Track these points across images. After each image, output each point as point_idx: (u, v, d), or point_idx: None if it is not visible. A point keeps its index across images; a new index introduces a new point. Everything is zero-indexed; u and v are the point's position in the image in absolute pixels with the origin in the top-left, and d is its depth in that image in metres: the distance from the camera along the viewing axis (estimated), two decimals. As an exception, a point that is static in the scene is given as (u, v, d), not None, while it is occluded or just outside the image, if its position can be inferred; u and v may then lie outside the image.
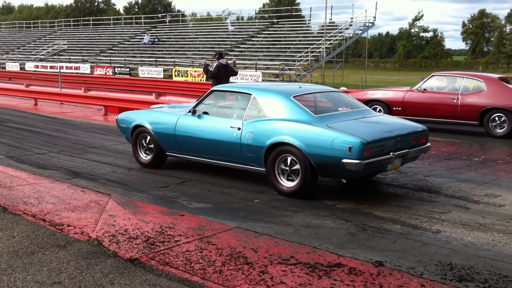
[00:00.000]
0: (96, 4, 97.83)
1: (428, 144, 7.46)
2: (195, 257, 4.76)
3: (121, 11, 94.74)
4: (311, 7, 49.77)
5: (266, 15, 53.54)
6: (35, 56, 47.94)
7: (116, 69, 38.13)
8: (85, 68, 40.30)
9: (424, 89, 13.34)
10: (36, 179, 7.65)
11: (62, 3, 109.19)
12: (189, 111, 7.91)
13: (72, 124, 13.89)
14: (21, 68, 44.23)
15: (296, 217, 6.02)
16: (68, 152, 9.81)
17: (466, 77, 13.12)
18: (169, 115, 8.23)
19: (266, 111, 7.08)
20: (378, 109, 13.24)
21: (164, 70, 36.18)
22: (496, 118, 12.28)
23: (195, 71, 33.56)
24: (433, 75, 13.98)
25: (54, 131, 12.49)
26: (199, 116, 7.74)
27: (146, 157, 8.53)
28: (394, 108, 13.46)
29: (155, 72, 36.12)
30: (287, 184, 6.82)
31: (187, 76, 33.57)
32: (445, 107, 12.82)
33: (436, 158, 9.71)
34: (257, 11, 59.46)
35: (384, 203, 6.65)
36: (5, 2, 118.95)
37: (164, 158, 8.43)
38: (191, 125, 7.77)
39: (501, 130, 12.24)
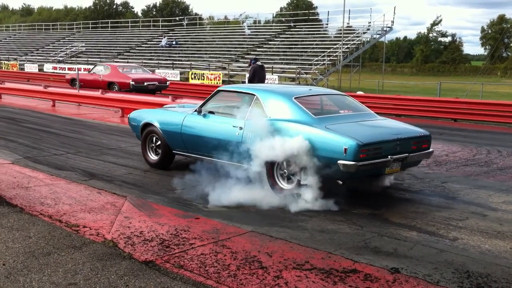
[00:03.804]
0: (114, 7, 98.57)
1: (431, 149, 7.38)
2: (209, 261, 4.76)
3: (139, 14, 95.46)
4: (328, 11, 49.34)
5: (283, 19, 53.55)
6: (53, 58, 48.34)
7: (133, 71, 38.31)
8: (102, 70, 40.52)
9: (94, 72, 25.01)
10: (53, 180, 7.71)
11: (81, 6, 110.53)
12: (195, 110, 8.08)
13: (89, 125, 13.99)
14: (39, 70, 44.60)
15: (312, 222, 5.99)
16: (84, 153, 9.88)
17: (103, 64, 25.96)
18: (176, 114, 8.45)
19: (268, 112, 7.15)
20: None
21: (181, 73, 36.25)
22: (116, 87, 23.47)
23: (211, 74, 33.64)
24: (96, 65, 27.30)
25: (71, 132, 12.58)
26: (204, 115, 7.90)
27: (154, 157, 8.72)
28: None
29: (171, 75, 36.18)
30: (285, 185, 6.83)
31: (203, 79, 33.63)
32: (97, 82, 24.11)
33: (453, 164, 9.62)
34: (274, 15, 59.52)
35: (401, 209, 6.59)
36: (24, 4, 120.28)
37: (172, 157, 8.56)
38: (196, 124, 7.94)
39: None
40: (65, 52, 49.62)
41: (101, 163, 9.01)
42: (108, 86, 23.65)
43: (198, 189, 7.13)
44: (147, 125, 8.72)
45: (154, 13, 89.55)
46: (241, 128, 7.23)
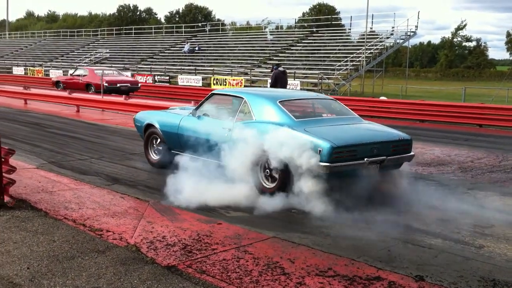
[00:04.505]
0: (138, 13, 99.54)
1: (412, 153, 7.50)
2: (231, 266, 4.75)
3: (162, 20, 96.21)
4: (351, 16, 49.33)
5: (305, 24, 53.46)
6: (78, 64, 48.94)
7: (156, 77, 38.62)
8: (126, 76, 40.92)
9: (75, 75, 28.14)
10: (77, 184, 7.79)
11: (105, 12, 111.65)
12: (191, 113, 8.52)
13: (113, 130, 14.12)
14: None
15: (334, 228, 5.94)
16: (108, 158, 9.96)
17: (82, 68, 30.33)
18: (174, 116, 8.91)
19: (253, 114, 7.57)
20: None
21: (203, 79, 36.42)
22: (92, 88, 25.87)
23: (233, 80, 33.73)
24: (77, 68, 31.05)
25: (95, 137, 12.71)
26: (198, 117, 8.32)
27: (155, 156, 9.16)
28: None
29: (194, 81, 36.42)
30: (268, 185, 7.06)
31: (225, 85, 33.71)
32: (77, 84, 27.14)
33: (479, 170, 9.48)
34: (296, 20, 59.48)
35: (425, 216, 6.50)
36: (50, 11, 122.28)
37: (171, 157, 8.76)
38: (191, 125, 8.36)
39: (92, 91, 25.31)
40: (89, 59, 50.25)
41: (124, 168, 9.08)
42: (86, 87, 26.66)
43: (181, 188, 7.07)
44: (149, 126, 9.20)
45: (177, 19, 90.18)
46: (230, 130, 7.58)
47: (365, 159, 6.74)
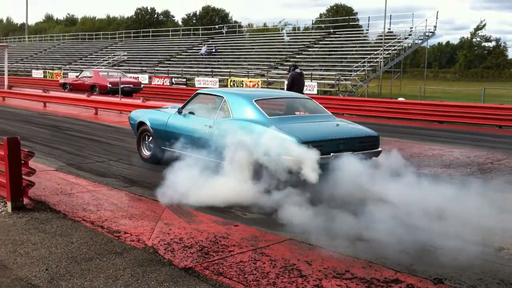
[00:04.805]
0: (155, 16, 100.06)
1: (379, 149, 7.88)
2: (248, 268, 4.74)
3: (180, 22, 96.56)
4: (369, 17, 49.22)
5: (322, 25, 53.31)
6: (96, 67, 49.37)
7: (173, 79, 38.78)
8: (143, 78, 41.04)
9: (81, 77, 29.90)
10: (95, 186, 7.85)
11: (123, 15, 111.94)
12: (177, 111, 8.98)
13: (130, 133, 14.14)
14: (83, 78, 45.57)
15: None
16: (126, 160, 10.02)
17: (88, 70, 31.48)
18: (163, 114, 9.46)
19: (231, 112, 8.03)
20: None
21: (220, 81, 36.49)
22: (97, 89, 27.59)
23: (250, 82, 33.75)
24: (83, 71, 32.80)
25: (113, 139, 12.80)
26: (184, 115, 8.80)
27: (147, 153, 9.68)
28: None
29: (211, 83, 36.48)
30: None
31: (242, 86, 33.73)
32: (83, 85, 28.59)
33: (498, 172, 9.37)
34: (313, 21, 59.34)
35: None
36: (68, 14, 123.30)
37: (162, 153, 9.33)
38: (177, 123, 8.86)
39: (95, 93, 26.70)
40: (107, 61, 50.64)
41: (141, 170, 9.13)
42: (91, 88, 28.21)
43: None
44: (141, 123, 9.74)
45: (194, 21, 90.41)
46: (210, 127, 8.05)
47: (331, 154, 7.06)
